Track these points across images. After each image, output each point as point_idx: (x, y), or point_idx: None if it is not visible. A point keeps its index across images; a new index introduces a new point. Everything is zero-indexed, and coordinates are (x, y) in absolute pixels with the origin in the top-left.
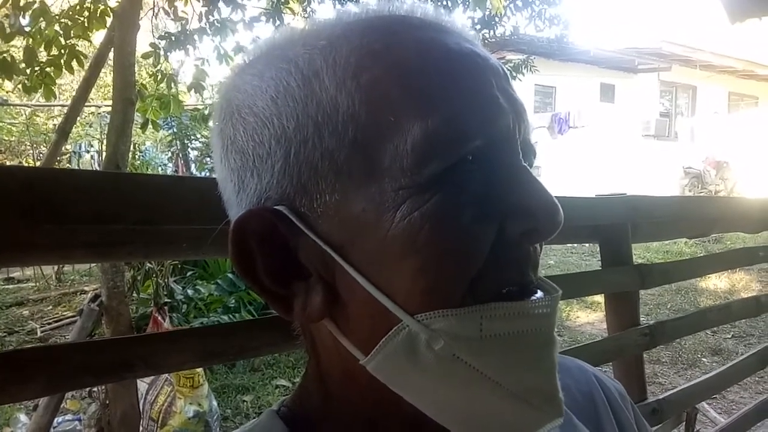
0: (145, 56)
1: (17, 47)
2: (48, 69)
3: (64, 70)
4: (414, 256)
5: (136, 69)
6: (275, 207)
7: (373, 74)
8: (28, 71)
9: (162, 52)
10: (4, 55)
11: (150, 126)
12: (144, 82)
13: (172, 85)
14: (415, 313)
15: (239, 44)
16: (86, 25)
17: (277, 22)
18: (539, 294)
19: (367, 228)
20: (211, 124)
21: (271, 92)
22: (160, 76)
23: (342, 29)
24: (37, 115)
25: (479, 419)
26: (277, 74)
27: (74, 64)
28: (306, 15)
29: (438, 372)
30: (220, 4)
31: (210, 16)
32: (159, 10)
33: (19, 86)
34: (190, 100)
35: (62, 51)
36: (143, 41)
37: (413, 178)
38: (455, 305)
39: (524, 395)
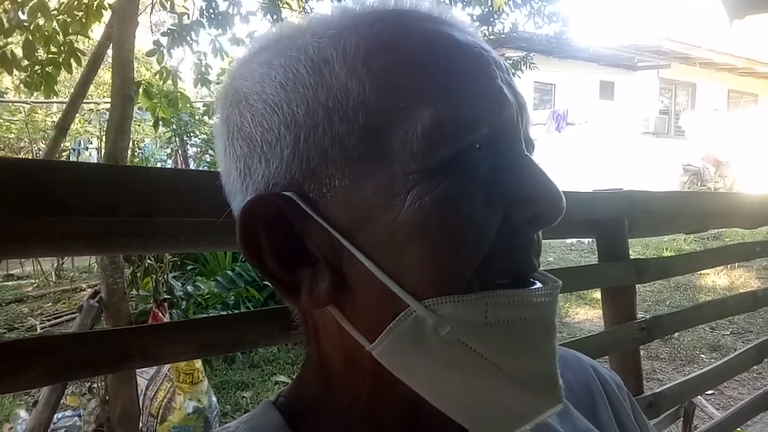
0: (150, 54)
1: (15, 43)
2: (48, 68)
3: (62, 68)
4: (423, 240)
5: (135, 66)
6: (283, 192)
7: (384, 61)
8: (29, 67)
9: (165, 49)
10: (4, 49)
11: (161, 124)
12: (149, 81)
13: (177, 81)
14: (423, 298)
15: (235, 37)
16: (84, 21)
17: (274, 17)
18: (540, 284)
19: (377, 212)
20: (215, 110)
21: (281, 79)
22: (165, 74)
23: (350, 20)
24: (36, 112)
25: (481, 404)
26: (287, 62)
27: (72, 62)
28: (303, 10)
29: (443, 357)
30: None
31: (209, 9)
32: (156, 4)
33: (21, 84)
34: (192, 96)
35: (61, 49)
36: (141, 37)
37: (423, 163)
38: (462, 290)
39: (526, 380)
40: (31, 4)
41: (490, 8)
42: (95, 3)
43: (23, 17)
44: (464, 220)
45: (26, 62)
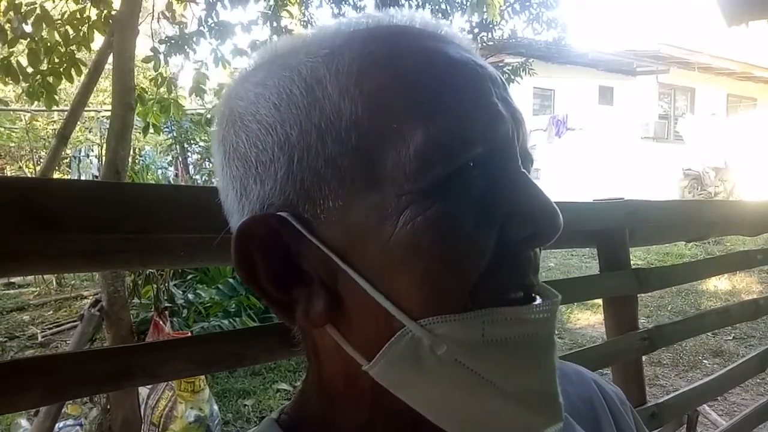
0: (146, 60)
1: (20, 53)
2: (48, 78)
3: (63, 78)
4: (417, 261)
5: (134, 73)
6: (278, 213)
7: (377, 81)
8: (31, 77)
9: (162, 57)
10: (10, 59)
11: (151, 129)
12: (144, 87)
13: (172, 88)
14: (419, 318)
15: (237, 47)
16: (86, 34)
17: (274, 25)
18: (539, 300)
19: (371, 233)
20: (212, 128)
21: (274, 100)
22: (160, 80)
23: (344, 38)
24: (37, 120)
25: (480, 423)
26: (280, 82)
27: (72, 72)
28: (304, 19)
29: (440, 376)
30: (219, 7)
31: (209, 19)
32: (158, 15)
33: (22, 94)
34: (189, 104)
35: (62, 59)
36: (142, 46)
37: (416, 184)
38: (458, 310)
39: (525, 399)
40: (35, 14)
41: (488, 16)
42: (103, 14)
43: (27, 28)
44: (458, 240)
45: (31, 71)
